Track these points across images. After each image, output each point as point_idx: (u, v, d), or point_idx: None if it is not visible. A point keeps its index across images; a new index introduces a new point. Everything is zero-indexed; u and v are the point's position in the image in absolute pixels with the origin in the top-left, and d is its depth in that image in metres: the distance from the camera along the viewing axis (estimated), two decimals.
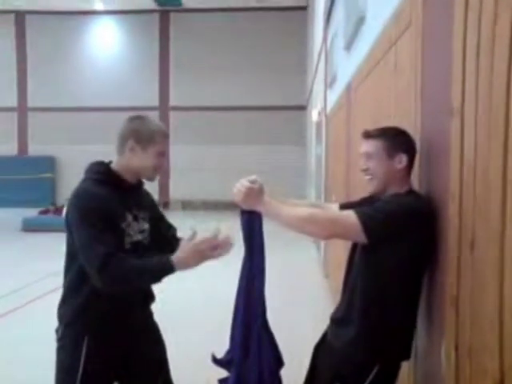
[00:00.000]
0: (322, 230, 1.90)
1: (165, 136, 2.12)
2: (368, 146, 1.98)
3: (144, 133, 2.05)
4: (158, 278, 1.96)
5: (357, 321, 1.89)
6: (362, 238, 1.79)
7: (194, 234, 2.00)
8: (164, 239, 2.31)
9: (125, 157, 2.07)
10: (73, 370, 2.00)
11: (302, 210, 1.94)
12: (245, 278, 2.05)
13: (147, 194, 2.33)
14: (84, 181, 2.06)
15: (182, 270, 1.94)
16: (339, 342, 1.97)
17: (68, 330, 2.06)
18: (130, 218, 2.06)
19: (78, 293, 2.02)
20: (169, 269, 1.91)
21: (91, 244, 1.89)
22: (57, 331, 2.10)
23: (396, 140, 1.94)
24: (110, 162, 2.12)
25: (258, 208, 1.95)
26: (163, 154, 2.11)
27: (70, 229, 2.00)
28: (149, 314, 2.30)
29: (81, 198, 1.98)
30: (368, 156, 1.98)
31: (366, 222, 1.76)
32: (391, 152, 1.92)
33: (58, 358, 2.07)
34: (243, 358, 2.02)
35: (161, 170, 2.14)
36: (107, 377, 2.11)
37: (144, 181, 2.23)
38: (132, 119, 2.11)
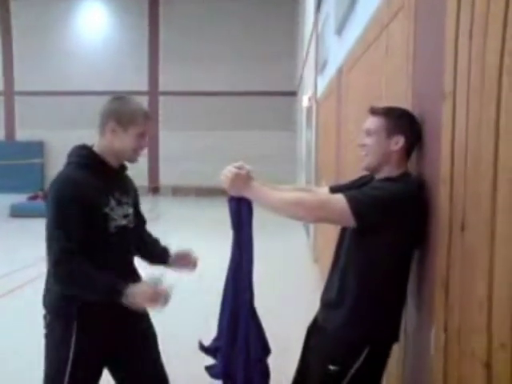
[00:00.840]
0: (311, 214, 1.89)
1: (145, 117, 2.09)
2: (370, 123, 1.97)
3: (124, 114, 2.03)
4: (103, 297, 1.94)
5: (349, 304, 1.90)
6: (351, 222, 1.78)
7: (158, 281, 1.99)
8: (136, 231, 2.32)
9: (106, 138, 2.05)
10: (63, 356, 1.98)
11: (290, 195, 1.94)
12: (233, 264, 2.04)
13: (130, 181, 2.31)
14: (67, 165, 2.05)
15: (129, 302, 1.91)
16: (330, 324, 1.98)
17: (56, 316, 2.05)
18: (113, 202, 2.05)
19: (56, 289, 2.01)
20: (116, 296, 1.91)
21: (56, 235, 1.89)
22: (45, 317, 2.08)
23: (398, 121, 1.92)
24: (93, 146, 2.09)
25: (246, 193, 1.94)
26: (144, 135, 2.08)
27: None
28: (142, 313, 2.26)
29: (60, 183, 1.97)
30: (368, 132, 1.97)
31: (356, 206, 1.75)
32: (390, 132, 1.91)
33: (47, 345, 2.06)
34: (230, 345, 2.02)
35: (141, 150, 2.12)
36: (98, 363, 2.10)
37: (127, 165, 2.21)
38: (113, 100, 2.09)
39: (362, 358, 1.87)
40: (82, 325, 2.00)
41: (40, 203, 12.05)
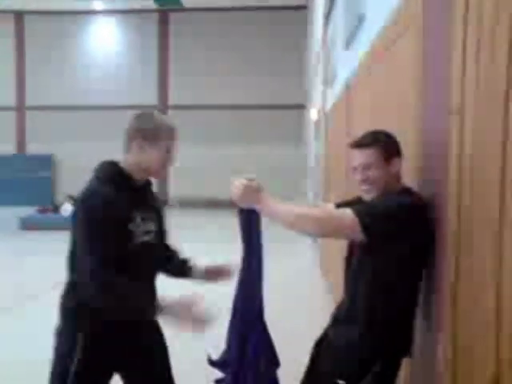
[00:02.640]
0: (320, 228, 1.90)
1: (172, 132, 2.09)
2: (363, 157, 1.97)
3: (151, 129, 2.03)
4: (141, 310, 1.97)
5: (360, 320, 1.90)
6: (360, 236, 1.79)
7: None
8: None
9: (133, 154, 2.05)
10: (66, 366, 1.99)
11: (299, 208, 1.94)
12: (243, 276, 2.03)
13: (156, 196, 2.30)
14: (93, 180, 2.05)
15: (163, 318, 1.94)
16: (342, 341, 1.97)
17: (65, 324, 2.06)
18: (138, 218, 2.04)
19: (77, 290, 2.02)
20: (151, 313, 1.94)
21: (89, 249, 1.91)
22: (57, 328, 2.10)
23: (388, 145, 1.95)
24: (118, 162, 2.09)
25: (256, 206, 1.95)
26: (171, 150, 2.08)
27: (75, 226, 1.99)
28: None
29: (89, 197, 1.97)
30: (366, 166, 1.96)
31: (365, 220, 1.76)
32: (387, 158, 1.93)
33: (55, 351, 2.07)
34: (240, 358, 2.01)
35: (170, 165, 2.12)
36: (104, 373, 2.10)
37: (152, 181, 2.22)
38: (139, 116, 2.09)
39: (372, 374, 1.85)
40: (90, 336, 2.00)
41: (49, 216, 12.15)
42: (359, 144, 2.01)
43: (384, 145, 1.94)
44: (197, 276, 2.35)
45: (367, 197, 2.01)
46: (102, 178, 2.04)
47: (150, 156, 2.04)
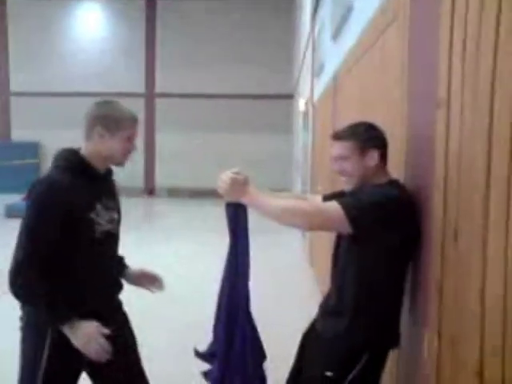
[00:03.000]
0: (307, 222, 1.91)
1: (133, 120, 2.08)
2: (340, 149, 1.99)
3: (112, 118, 2.02)
4: (43, 315, 1.94)
5: (348, 312, 1.91)
6: (347, 229, 1.80)
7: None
8: None
9: (93, 142, 2.02)
10: (36, 360, 1.95)
11: (286, 202, 1.95)
12: (229, 269, 2.05)
13: (114, 183, 2.28)
14: (53, 168, 2.02)
15: (68, 335, 1.90)
16: (329, 332, 1.99)
17: (31, 319, 2.01)
18: (99, 207, 2.02)
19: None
20: (57, 323, 1.90)
21: (28, 236, 1.88)
22: (21, 319, 2.04)
23: (366, 137, 1.95)
24: (79, 149, 2.06)
25: (243, 199, 1.95)
26: (132, 139, 2.08)
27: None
28: (117, 304, 2.26)
29: (43, 186, 1.94)
30: (342, 158, 1.98)
31: (351, 212, 1.77)
32: (363, 150, 1.93)
33: (22, 348, 2.03)
34: (227, 350, 2.02)
35: (130, 154, 2.11)
36: (73, 367, 2.05)
37: (113, 169, 2.20)
38: (100, 104, 2.07)
39: (360, 365, 1.88)
40: (57, 332, 1.94)
41: None
42: (337, 136, 2.03)
43: (361, 138, 1.95)
44: (127, 278, 2.34)
45: (346, 187, 2.03)
46: (60, 166, 2.01)
47: (110, 145, 2.02)
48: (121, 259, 2.35)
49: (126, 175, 2.22)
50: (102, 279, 2.07)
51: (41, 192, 1.92)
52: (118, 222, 2.18)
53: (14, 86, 18.45)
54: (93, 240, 1.98)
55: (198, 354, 2.13)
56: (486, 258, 1.31)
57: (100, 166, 2.07)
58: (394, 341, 1.98)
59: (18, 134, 18.46)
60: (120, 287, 2.25)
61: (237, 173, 1.96)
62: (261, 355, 2.11)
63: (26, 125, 18.33)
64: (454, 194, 1.54)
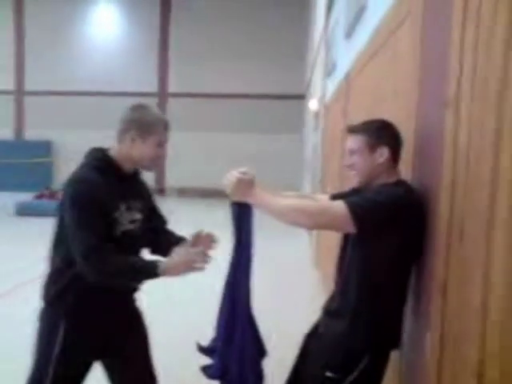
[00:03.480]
0: (312, 221, 1.90)
1: (165, 126, 2.11)
2: (351, 142, 1.99)
3: (145, 123, 2.04)
4: (140, 279, 2.04)
5: (350, 313, 1.90)
6: (351, 228, 1.79)
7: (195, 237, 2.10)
8: (152, 230, 2.31)
9: (125, 145, 2.06)
10: (48, 351, 2.01)
11: (292, 201, 1.94)
12: (233, 268, 2.06)
13: (143, 184, 2.32)
14: (82, 166, 2.06)
15: (167, 276, 1.97)
16: (331, 332, 1.98)
17: (47, 311, 2.08)
18: (123, 207, 2.06)
19: (61, 276, 2.03)
20: (153, 273, 1.94)
21: (80, 230, 1.91)
22: (39, 311, 2.11)
23: (378, 134, 1.94)
24: (109, 149, 2.10)
25: (248, 199, 1.94)
26: (163, 145, 2.11)
27: (61, 212, 2.00)
28: (132, 301, 2.30)
29: (76, 182, 1.98)
30: (351, 152, 1.99)
31: (356, 212, 1.76)
32: (373, 146, 1.93)
33: (36, 338, 2.08)
34: (227, 345, 2.04)
35: (160, 160, 2.14)
36: (85, 360, 2.12)
37: (141, 170, 2.23)
38: (134, 108, 2.09)
39: (361, 366, 1.87)
40: (71, 323, 2.02)
41: (46, 202, 12.10)
42: (351, 129, 2.03)
43: (372, 133, 1.94)
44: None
45: (354, 182, 2.04)
46: (89, 164, 2.05)
47: (141, 149, 2.05)
48: (180, 239, 2.31)
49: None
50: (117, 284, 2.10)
51: (76, 189, 1.96)
52: (143, 221, 2.19)
53: (28, 86, 18.63)
54: (113, 239, 2.00)
55: (201, 349, 2.15)
56: (490, 259, 1.30)
57: (128, 168, 2.11)
58: (395, 343, 1.97)
59: (31, 133, 18.66)
60: (136, 288, 2.27)
61: (244, 172, 1.95)
62: (261, 351, 2.12)
63: (39, 124, 18.51)
64: (460, 195, 1.53)
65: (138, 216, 2.15)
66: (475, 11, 1.46)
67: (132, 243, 2.12)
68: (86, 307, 2.03)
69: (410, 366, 2.10)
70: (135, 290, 2.27)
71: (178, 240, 2.31)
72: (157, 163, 2.14)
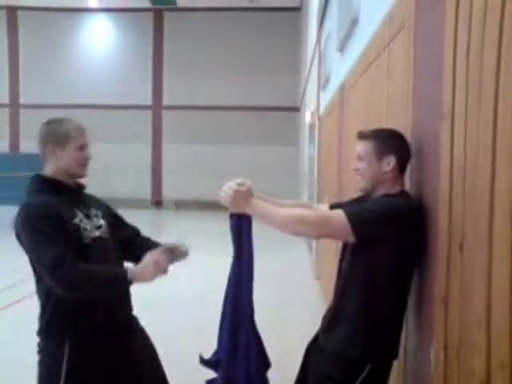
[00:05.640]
0: (312, 230, 1.91)
1: (79, 130, 2.15)
2: (360, 147, 2.01)
3: (58, 133, 2.11)
4: (110, 287, 2.04)
5: (349, 323, 1.90)
6: (350, 238, 1.80)
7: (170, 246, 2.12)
8: (124, 238, 2.33)
9: (51, 161, 2.12)
10: (54, 379, 1.98)
11: (291, 211, 1.95)
12: (233, 279, 2.06)
13: (94, 197, 2.34)
14: (27, 196, 2.11)
15: (138, 281, 2.00)
16: (330, 342, 1.98)
17: (47, 341, 2.06)
18: (80, 215, 2.09)
19: (48, 304, 2.03)
20: (122, 278, 1.97)
21: (43, 246, 1.92)
22: (38, 345, 2.09)
23: (387, 142, 1.95)
24: (41, 173, 2.15)
25: (247, 210, 1.95)
26: (84, 147, 2.15)
27: (22, 244, 2.03)
28: (130, 312, 2.29)
29: (24, 210, 2.02)
30: (359, 157, 2.00)
31: (354, 221, 1.77)
32: (380, 154, 1.93)
33: (39, 371, 2.06)
34: (231, 358, 2.03)
35: (86, 162, 2.17)
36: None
37: (82, 185, 2.26)
38: (46, 124, 2.17)
39: (362, 376, 1.86)
40: (75, 345, 1.99)
41: None
42: (361, 135, 2.04)
43: (381, 141, 1.95)
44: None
45: (358, 187, 2.05)
46: (33, 191, 2.10)
47: (65, 158, 2.10)
48: (154, 244, 2.33)
49: (134, 187, 2.24)
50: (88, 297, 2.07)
51: (26, 215, 1.99)
52: (109, 227, 2.22)
53: (23, 99, 18.63)
54: (84, 247, 2.02)
55: (203, 361, 2.13)
56: (491, 267, 1.30)
57: (68, 181, 2.15)
58: (394, 352, 1.96)
59: (27, 146, 18.60)
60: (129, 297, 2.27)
61: (240, 184, 1.95)
62: (265, 362, 2.11)
63: (34, 136, 18.41)
64: (459, 204, 1.54)
65: (101, 221, 2.18)
66: (466, 23, 1.49)
67: (104, 251, 2.13)
68: (85, 327, 2.01)
69: (415, 377, 2.09)
70: (126, 308, 2.24)
71: (152, 245, 2.32)
72: (85, 167, 2.17)
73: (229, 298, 2.06)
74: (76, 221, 2.04)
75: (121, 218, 2.41)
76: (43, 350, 2.06)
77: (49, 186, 2.09)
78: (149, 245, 2.31)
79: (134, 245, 2.34)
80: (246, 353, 2.03)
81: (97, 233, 2.11)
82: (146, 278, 2.02)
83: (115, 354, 2.10)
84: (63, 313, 2.00)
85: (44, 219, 1.95)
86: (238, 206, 1.95)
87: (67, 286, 1.92)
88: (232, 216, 2.02)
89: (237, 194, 1.92)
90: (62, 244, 1.93)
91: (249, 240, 2.04)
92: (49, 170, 2.13)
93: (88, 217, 2.12)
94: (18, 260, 2.06)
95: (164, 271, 2.05)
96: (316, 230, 1.90)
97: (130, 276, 1.98)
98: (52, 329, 2.04)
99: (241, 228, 2.02)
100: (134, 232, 2.42)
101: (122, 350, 2.12)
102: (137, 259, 2.19)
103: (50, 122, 2.17)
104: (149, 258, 2.04)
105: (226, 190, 1.94)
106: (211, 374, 2.14)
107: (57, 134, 2.11)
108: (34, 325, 2.08)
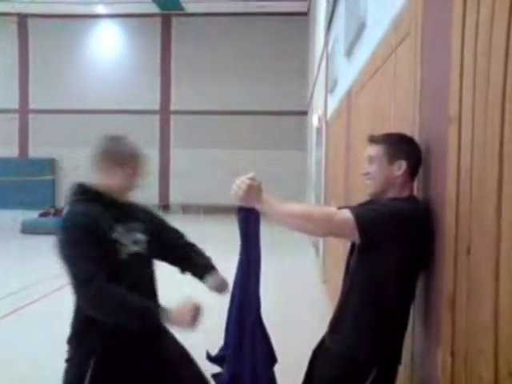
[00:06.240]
0: (318, 227, 1.92)
1: (136, 155, 2.18)
2: (371, 151, 2.01)
3: (117, 153, 2.12)
4: (137, 320, 1.95)
5: (354, 326, 1.90)
6: (355, 237, 1.81)
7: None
8: (167, 247, 2.35)
9: (101, 175, 2.13)
10: None
11: (299, 208, 1.96)
12: (240, 274, 2.06)
13: (140, 207, 2.34)
14: (72, 202, 2.12)
15: (171, 323, 1.98)
16: (337, 347, 1.98)
17: (74, 350, 2.07)
18: (120, 229, 2.08)
19: (79, 315, 2.04)
20: (155, 316, 1.94)
21: (78, 260, 1.93)
22: (67, 352, 2.10)
23: (398, 146, 1.95)
24: (88, 183, 2.16)
25: (257, 205, 1.96)
26: (136, 173, 2.18)
27: (57, 249, 2.02)
28: (164, 330, 2.21)
29: (71, 218, 2.04)
30: (370, 160, 2.01)
31: (360, 221, 1.78)
32: (391, 158, 1.94)
33: (64, 380, 2.07)
34: (237, 354, 2.04)
35: (135, 187, 2.21)
36: None
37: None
38: (107, 139, 2.17)
39: (370, 379, 1.85)
40: (102, 360, 1.99)
41: (51, 220, 12.13)
42: (372, 138, 2.05)
43: (392, 145, 1.95)
44: (209, 283, 2.31)
45: (367, 191, 2.05)
46: (79, 199, 2.10)
47: (115, 178, 2.12)
48: (207, 264, 2.35)
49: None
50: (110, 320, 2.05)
51: (70, 223, 2.02)
52: (149, 243, 2.20)
53: (32, 104, 18.77)
54: (120, 262, 2.02)
55: (210, 358, 2.14)
56: (498, 271, 1.30)
57: (111, 195, 2.15)
58: (399, 356, 1.95)
59: (35, 151, 18.74)
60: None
61: (252, 178, 1.97)
62: (271, 358, 2.12)
63: (42, 142, 18.61)
64: (466, 208, 1.54)
65: (140, 237, 2.16)
66: (473, 28, 1.49)
67: (140, 266, 2.13)
68: (114, 343, 2.00)
69: (422, 382, 2.08)
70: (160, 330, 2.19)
71: (194, 254, 2.36)
72: (131, 191, 2.21)
73: (236, 293, 2.07)
74: (114, 235, 2.04)
75: (163, 222, 2.44)
76: (70, 359, 2.07)
77: (92, 196, 2.10)
78: (189, 253, 2.36)
79: (177, 249, 2.38)
80: (252, 348, 2.03)
81: (135, 248, 2.10)
82: (183, 325, 1.97)
83: (145, 363, 2.09)
84: (94, 325, 1.99)
85: (83, 229, 1.97)
86: (249, 200, 1.95)
87: (91, 305, 1.93)
88: (240, 210, 2.04)
89: (250, 188, 1.93)
90: (96, 259, 1.93)
91: (256, 235, 2.06)
92: (98, 181, 2.14)
93: (128, 230, 2.12)
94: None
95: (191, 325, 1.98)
96: (322, 227, 1.91)
97: (162, 314, 1.93)
98: (81, 339, 2.05)
99: (249, 222, 2.04)
100: (178, 235, 2.44)
101: (152, 357, 2.11)
102: (180, 264, 2.31)
103: (110, 139, 2.18)
104: (188, 310, 1.98)
105: (239, 184, 1.95)
106: (218, 369, 2.15)
107: (114, 153, 2.13)
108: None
